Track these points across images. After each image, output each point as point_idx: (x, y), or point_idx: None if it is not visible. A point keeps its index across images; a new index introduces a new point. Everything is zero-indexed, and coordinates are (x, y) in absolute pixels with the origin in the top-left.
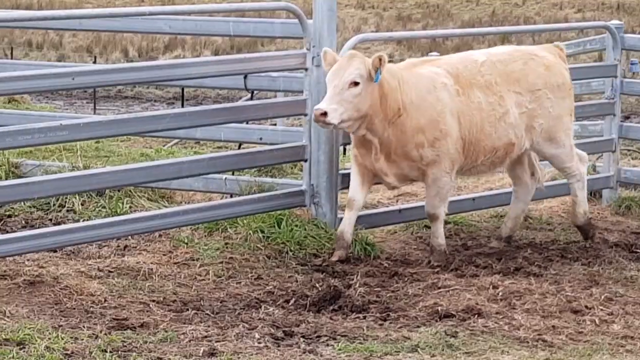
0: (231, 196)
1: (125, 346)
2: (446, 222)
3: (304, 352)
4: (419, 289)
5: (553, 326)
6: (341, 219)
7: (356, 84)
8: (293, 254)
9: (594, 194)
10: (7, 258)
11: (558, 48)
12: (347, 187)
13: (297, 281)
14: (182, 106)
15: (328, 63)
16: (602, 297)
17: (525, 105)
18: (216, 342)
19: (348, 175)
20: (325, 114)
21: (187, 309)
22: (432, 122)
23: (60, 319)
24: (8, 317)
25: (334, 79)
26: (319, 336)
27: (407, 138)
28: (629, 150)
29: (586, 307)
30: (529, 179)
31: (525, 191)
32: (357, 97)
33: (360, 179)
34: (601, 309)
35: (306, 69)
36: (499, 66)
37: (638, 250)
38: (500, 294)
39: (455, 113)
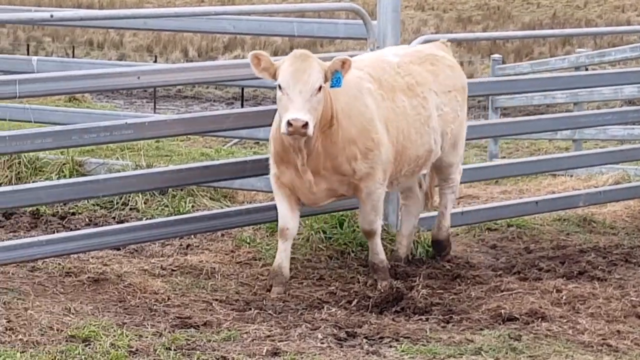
0: None
1: (189, 344)
2: (509, 225)
3: (367, 353)
4: (481, 291)
5: (618, 331)
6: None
7: (320, 89)
8: (355, 255)
9: None
10: (72, 255)
11: (444, 44)
12: None
13: (359, 282)
14: (242, 106)
15: (263, 68)
16: None
17: (441, 108)
18: (279, 341)
19: None
20: (307, 124)
21: (250, 309)
22: (363, 131)
23: (125, 317)
24: (73, 313)
25: (296, 84)
26: (381, 337)
27: (338, 150)
28: None
29: None
30: (419, 192)
31: (417, 205)
32: (320, 104)
33: (288, 204)
34: None
35: None
36: (413, 67)
37: None
38: (564, 297)
39: (383, 120)
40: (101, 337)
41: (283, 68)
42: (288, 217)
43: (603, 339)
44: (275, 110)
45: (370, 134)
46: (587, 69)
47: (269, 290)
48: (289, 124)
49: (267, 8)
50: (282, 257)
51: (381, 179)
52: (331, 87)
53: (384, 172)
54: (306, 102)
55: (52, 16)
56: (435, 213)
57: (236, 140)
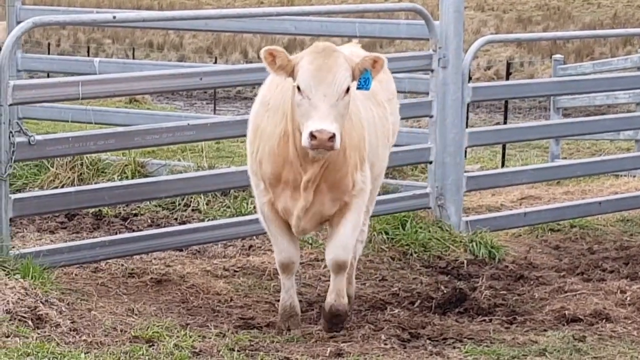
0: None
1: (252, 345)
2: (572, 226)
3: (431, 354)
4: (545, 292)
5: None
6: (467, 222)
7: (347, 90)
8: (417, 256)
9: None
10: (135, 256)
11: (356, 44)
12: (472, 190)
13: (421, 283)
14: None
15: (279, 66)
16: None
17: (388, 118)
18: (342, 342)
19: (473, 177)
20: (334, 137)
21: (313, 309)
22: (361, 137)
23: (188, 318)
24: (137, 314)
25: (319, 85)
26: (445, 338)
27: (344, 159)
28: None
29: None
30: None
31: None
32: (347, 109)
33: (288, 234)
34: None
35: (432, 70)
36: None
37: None
38: (629, 298)
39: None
40: (165, 338)
41: (303, 66)
42: (292, 250)
43: None
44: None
45: (364, 142)
46: None
47: (280, 333)
48: (312, 136)
49: (329, 9)
50: (292, 294)
51: (367, 195)
52: (358, 88)
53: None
54: (332, 107)
55: (114, 17)
56: (499, 213)
57: None
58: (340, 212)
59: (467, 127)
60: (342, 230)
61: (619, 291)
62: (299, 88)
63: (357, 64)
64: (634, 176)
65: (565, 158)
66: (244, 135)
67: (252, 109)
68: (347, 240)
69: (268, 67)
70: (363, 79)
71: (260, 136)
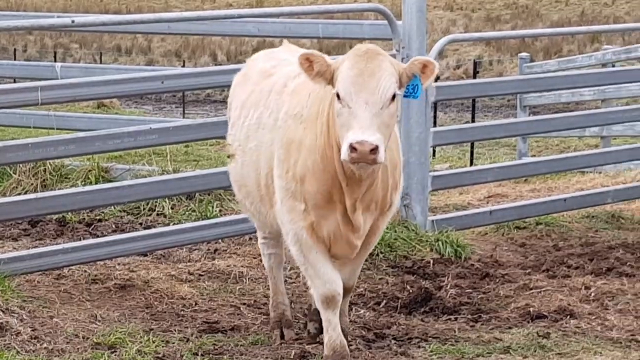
0: None
1: (217, 349)
2: (537, 223)
3: (396, 354)
4: (510, 290)
5: None
6: (432, 221)
7: (393, 98)
8: (383, 256)
9: None
10: (98, 262)
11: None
12: (438, 189)
13: (387, 283)
14: None
15: (317, 73)
16: None
17: None
18: (307, 344)
19: (439, 177)
20: (376, 149)
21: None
22: (398, 152)
23: (152, 323)
24: (100, 320)
25: (360, 92)
26: (410, 338)
27: (388, 176)
28: None
29: None
30: None
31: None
32: (393, 119)
33: (330, 263)
34: None
35: None
36: None
37: None
38: (593, 294)
39: None
40: (127, 344)
41: (342, 71)
42: (337, 280)
43: (632, 335)
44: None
45: (399, 155)
46: (614, 66)
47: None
48: (353, 148)
49: (292, 10)
50: (339, 331)
51: None
52: (405, 96)
53: None
54: (374, 117)
55: (73, 22)
56: (467, 211)
57: None
58: (372, 234)
59: (435, 126)
60: (359, 259)
61: (583, 287)
62: (338, 96)
63: (404, 69)
64: (600, 173)
65: (534, 155)
66: (208, 139)
67: (272, 123)
68: (359, 267)
69: (305, 73)
70: (411, 85)
71: (298, 150)
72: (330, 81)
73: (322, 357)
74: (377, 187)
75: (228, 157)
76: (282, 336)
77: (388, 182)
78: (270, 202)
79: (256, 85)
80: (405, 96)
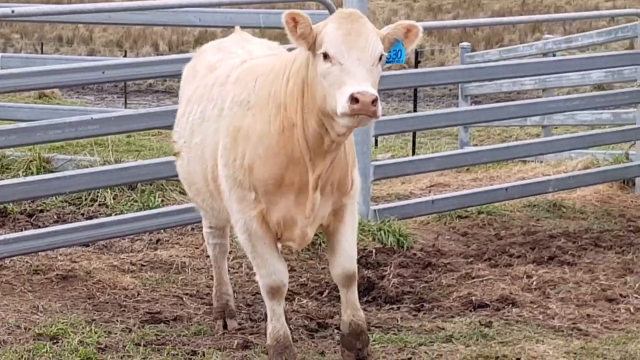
0: None
1: (159, 339)
2: (479, 212)
3: (338, 344)
4: (452, 279)
5: (588, 315)
6: (375, 211)
7: (380, 58)
8: (326, 246)
9: (627, 182)
10: (40, 253)
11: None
12: (380, 179)
13: (330, 273)
14: None
15: (300, 35)
16: (637, 285)
17: None
18: (250, 334)
19: (381, 166)
20: (376, 100)
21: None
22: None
23: (94, 313)
24: (41, 311)
25: (351, 50)
26: None
27: (344, 155)
28: None
29: (621, 295)
30: None
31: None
32: (378, 80)
33: (277, 252)
34: (636, 297)
35: None
36: None
37: None
38: (535, 283)
39: None
40: (69, 335)
41: (329, 32)
42: (284, 271)
43: (573, 323)
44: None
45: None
46: (554, 55)
47: None
48: (354, 99)
49: (233, 0)
50: (283, 322)
51: None
52: (388, 61)
53: None
54: (368, 72)
55: (13, 12)
56: (410, 201)
57: None
58: (338, 216)
59: None
60: (346, 238)
61: (525, 276)
62: (325, 55)
63: (387, 34)
64: (541, 162)
65: (476, 145)
66: (149, 129)
67: (216, 114)
68: (352, 248)
69: (289, 33)
70: (394, 50)
71: (245, 139)
72: (312, 46)
73: (264, 347)
74: (335, 166)
75: (174, 154)
76: (224, 326)
77: (347, 160)
78: (220, 196)
79: (202, 81)
80: (388, 61)
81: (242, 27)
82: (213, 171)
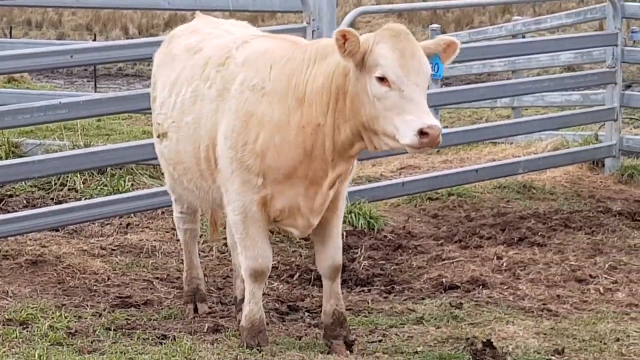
0: None
1: (129, 324)
2: (449, 194)
3: (309, 326)
4: (423, 261)
5: (558, 295)
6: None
7: None
8: (314, 235)
9: (597, 163)
10: (9, 238)
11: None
12: None
13: (301, 256)
14: None
15: (349, 52)
16: (606, 265)
17: None
18: (220, 318)
19: None
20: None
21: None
22: None
23: (64, 298)
24: (11, 297)
25: (409, 74)
26: None
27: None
28: (630, 118)
29: (590, 276)
30: None
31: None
32: None
33: (267, 239)
34: (605, 278)
35: None
36: None
37: None
38: (505, 264)
39: None
40: (39, 320)
41: (384, 54)
42: (270, 256)
43: (543, 304)
44: None
45: None
46: (524, 37)
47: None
48: (424, 133)
49: None
50: (261, 306)
51: None
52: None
53: None
54: (425, 98)
55: None
56: (380, 183)
57: None
58: (332, 205)
59: None
60: (337, 231)
61: (495, 257)
62: (382, 79)
63: (428, 49)
64: (511, 143)
65: (446, 127)
66: (118, 113)
67: (215, 94)
68: (339, 239)
69: (338, 49)
70: (432, 64)
71: (260, 125)
72: (360, 63)
73: (235, 330)
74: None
75: (158, 136)
76: (195, 310)
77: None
78: (212, 176)
79: (186, 62)
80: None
81: (212, 10)
82: (207, 150)
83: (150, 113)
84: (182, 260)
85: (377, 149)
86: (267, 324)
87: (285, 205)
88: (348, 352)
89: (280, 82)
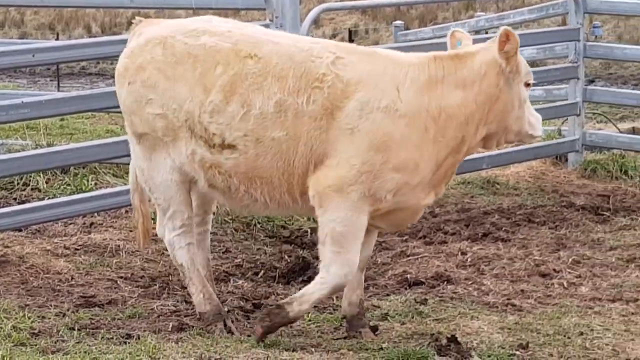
0: None
1: (93, 323)
2: None
3: None
4: (388, 257)
5: (522, 290)
6: None
7: None
8: (261, 227)
9: (560, 158)
10: None
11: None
12: None
13: (265, 253)
14: None
15: (506, 53)
16: (570, 260)
17: None
18: (185, 316)
19: None
20: None
21: (155, 285)
22: None
23: (27, 299)
24: None
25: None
26: None
27: None
28: (594, 113)
29: (554, 270)
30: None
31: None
32: None
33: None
34: (569, 272)
35: None
36: None
37: (604, 213)
38: (469, 260)
39: None
40: (2, 320)
41: (524, 62)
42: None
43: (507, 299)
44: None
45: None
46: (487, 32)
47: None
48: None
49: None
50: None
51: None
52: None
53: None
54: None
55: None
56: None
57: None
58: None
59: None
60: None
61: (459, 253)
62: (527, 84)
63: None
64: None
65: None
66: (82, 111)
67: (320, 111)
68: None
69: (497, 46)
70: None
71: (399, 145)
72: (510, 66)
73: (199, 329)
74: None
75: (212, 146)
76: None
77: None
78: (301, 189)
79: (237, 66)
80: None
81: (175, 9)
82: (307, 165)
83: (115, 112)
84: (145, 259)
85: (487, 149)
86: (232, 321)
87: (396, 210)
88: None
89: (413, 103)
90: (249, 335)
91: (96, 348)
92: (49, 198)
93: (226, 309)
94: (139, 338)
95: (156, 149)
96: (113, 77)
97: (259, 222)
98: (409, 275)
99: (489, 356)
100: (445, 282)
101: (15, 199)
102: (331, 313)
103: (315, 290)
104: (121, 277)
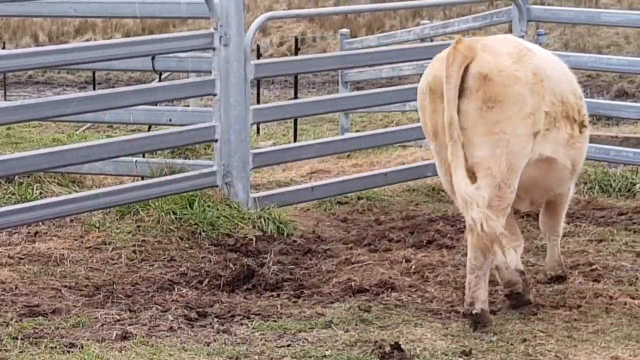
0: (142, 179)
1: (37, 333)
2: (359, 198)
3: (218, 332)
4: (332, 265)
5: None
6: (255, 198)
7: None
8: (206, 235)
9: None
10: None
11: None
12: (260, 166)
13: (210, 261)
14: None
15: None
16: None
17: None
18: (129, 325)
19: (260, 154)
20: None
21: (100, 294)
22: None
23: None
24: None
25: None
26: (232, 316)
27: None
28: None
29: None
30: None
31: None
32: None
33: None
34: None
35: (214, 49)
36: None
37: None
38: (413, 267)
39: None
40: None
41: None
42: None
43: (451, 306)
44: None
45: None
46: (432, 40)
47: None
48: None
49: None
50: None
51: None
52: None
53: None
54: None
55: None
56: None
57: (88, 124)
58: None
59: (259, 103)
60: None
61: (404, 260)
62: None
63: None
64: (421, 146)
65: (358, 131)
66: (27, 120)
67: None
68: None
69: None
70: None
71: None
72: None
73: (142, 337)
74: None
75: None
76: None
77: None
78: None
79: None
80: None
81: (120, 18)
82: None
83: (61, 121)
84: (90, 268)
85: None
86: (175, 330)
87: None
88: None
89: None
90: (193, 344)
91: (39, 357)
92: None
93: (170, 318)
94: (82, 347)
95: None
96: (60, 85)
97: (203, 231)
98: (353, 283)
99: None
100: (390, 290)
101: None
102: (275, 321)
103: None
104: (65, 286)
